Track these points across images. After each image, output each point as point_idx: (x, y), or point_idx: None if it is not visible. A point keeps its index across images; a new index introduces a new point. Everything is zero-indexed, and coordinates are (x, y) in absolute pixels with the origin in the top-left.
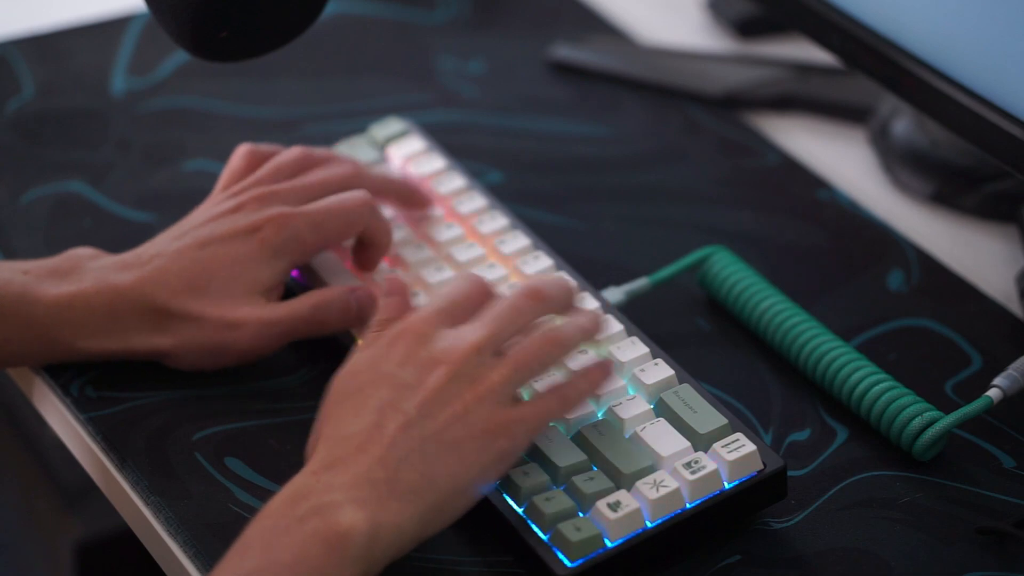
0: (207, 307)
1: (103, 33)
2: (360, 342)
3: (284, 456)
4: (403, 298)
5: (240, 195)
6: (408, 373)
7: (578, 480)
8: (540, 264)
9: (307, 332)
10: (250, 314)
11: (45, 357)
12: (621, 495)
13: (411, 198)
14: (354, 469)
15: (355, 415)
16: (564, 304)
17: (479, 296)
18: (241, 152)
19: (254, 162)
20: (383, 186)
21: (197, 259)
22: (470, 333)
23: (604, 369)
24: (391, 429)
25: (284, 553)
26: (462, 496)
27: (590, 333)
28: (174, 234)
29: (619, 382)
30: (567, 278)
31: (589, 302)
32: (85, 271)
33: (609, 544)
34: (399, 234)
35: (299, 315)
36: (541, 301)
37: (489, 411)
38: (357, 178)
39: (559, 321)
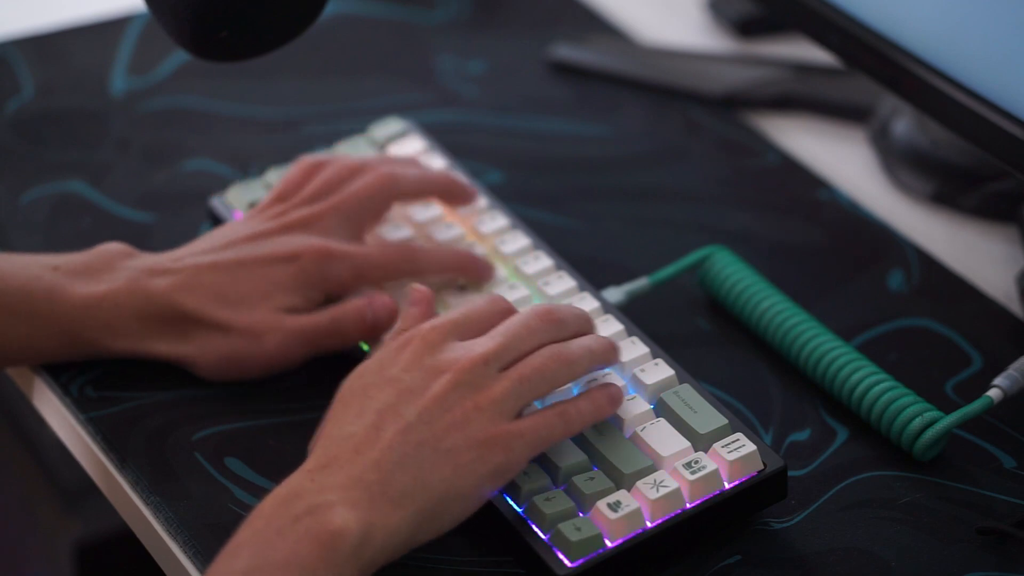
0: (233, 317)
1: (103, 33)
2: (378, 347)
3: (284, 456)
4: (425, 308)
5: (285, 215)
6: (412, 378)
7: (578, 480)
8: (540, 264)
9: (327, 343)
10: (273, 324)
11: (69, 355)
12: (621, 495)
13: (453, 193)
14: (348, 470)
15: (356, 416)
16: (578, 330)
17: (497, 316)
18: (301, 166)
19: (310, 177)
20: (422, 187)
21: (232, 274)
22: (479, 345)
23: (611, 395)
24: (389, 433)
25: (276, 553)
26: (456, 504)
27: (599, 356)
28: (213, 244)
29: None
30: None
31: (589, 302)
32: (117, 271)
33: (609, 544)
34: (400, 233)
35: (319, 326)
36: (555, 323)
37: (488, 422)
38: (393, 184)
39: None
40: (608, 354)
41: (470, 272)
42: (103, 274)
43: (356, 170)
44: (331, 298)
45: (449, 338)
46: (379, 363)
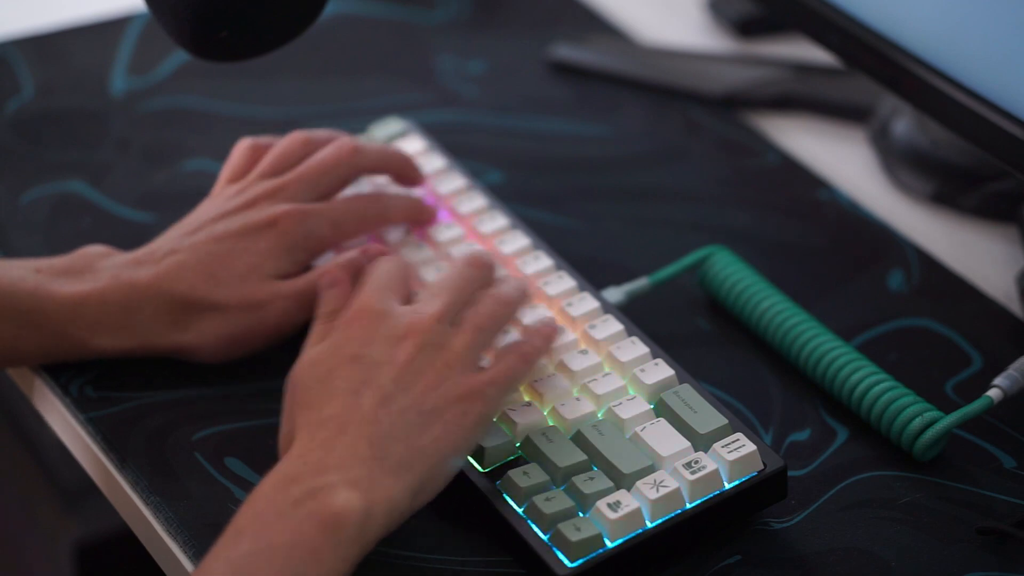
0: (227, 294)
1: (103, 33)
2: (311, 336)
3: None
4: (344, 288)
5: (248, 190)
6: (375, 351)
7: (578, 480)
8: (540, 264)
9: None
10: (270, 294)
11: (59, 355)
12: (621, 495)
13: (406, 173)
14: (340, 449)
15: (329, 398)
16: (494, 272)
17: (403, 270)
18: (242, 147)
19: (255, 157)
20: (382, 160)
21: (214, 252)
22: (428, 306)
23: (550, 325)
24: (370, 405)
25: (279, 536)
26: (449, 462)
27: (526, 292)
28: (185, 229)
29: (569, 336)
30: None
31: (589, 302)
32: (99, 269)
33: (609, 544)
34: (399, 234)
35: (316, 283)
36: (484, 268)
37: (460, 376)
38: (356, 154)
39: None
40: (527, 289)
41: (425, 216)
42: (85, 274)
43: (311, 142)
44: (316, 257)
45: (387, 301)
46: (332, 346)
